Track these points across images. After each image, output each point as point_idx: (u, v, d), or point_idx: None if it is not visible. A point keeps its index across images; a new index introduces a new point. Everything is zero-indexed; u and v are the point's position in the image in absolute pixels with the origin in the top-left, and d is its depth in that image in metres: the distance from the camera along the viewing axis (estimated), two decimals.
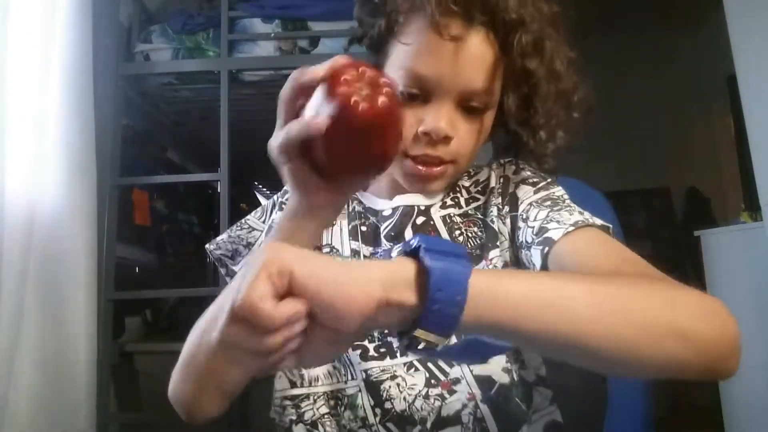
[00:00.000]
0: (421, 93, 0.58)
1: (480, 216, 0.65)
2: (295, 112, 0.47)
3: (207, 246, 0.69)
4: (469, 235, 0.63)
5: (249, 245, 0.67)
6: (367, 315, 0.33)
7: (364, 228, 0.66)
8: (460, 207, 0.66)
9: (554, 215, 0.56)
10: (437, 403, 0.55)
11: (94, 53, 1.31)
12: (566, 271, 0.48)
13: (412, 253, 0.37)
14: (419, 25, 0.57)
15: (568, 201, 0.59)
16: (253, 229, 0.70)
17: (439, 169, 0.60)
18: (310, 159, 0.46)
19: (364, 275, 0.34)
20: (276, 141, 0.46)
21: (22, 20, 1.11)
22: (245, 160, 2.26)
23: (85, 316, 1.18)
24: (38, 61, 1.15)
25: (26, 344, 1.06)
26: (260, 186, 3.17)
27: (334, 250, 0.64)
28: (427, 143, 0.59)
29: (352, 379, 0.58)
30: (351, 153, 0.44)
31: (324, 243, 0.66)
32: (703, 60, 3.31)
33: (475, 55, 0.57)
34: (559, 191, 0.61)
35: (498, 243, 0.62)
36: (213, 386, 0.49)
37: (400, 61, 0.59)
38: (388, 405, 0.56)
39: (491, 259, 0.61)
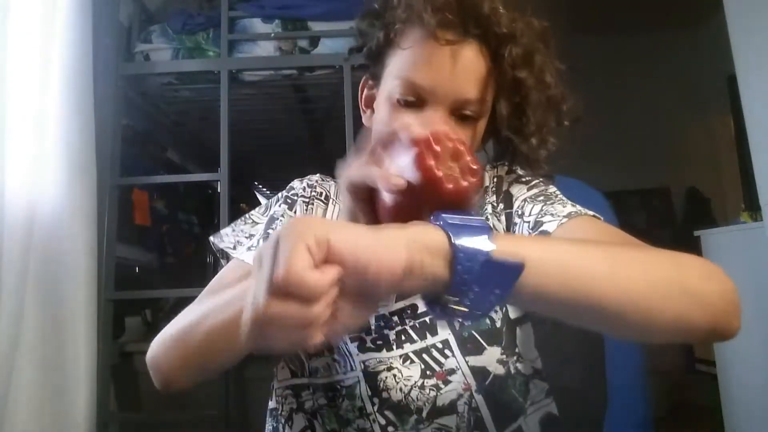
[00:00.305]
0: (416, 100, 0.60)
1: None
2: (380, 156, 0.47)
3: (210, 238, 0.71)
4: None
5: (251, 236, 0.69)
6: (398, 278, 0.34)
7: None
8: None
9: (548, 208, 0.59)
10: (432, 393, 0.57)
11: (94, 53, 1.31)
12: (579, 240, 0.50)
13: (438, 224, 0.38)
14: (417, 35, 0.60)
15: (560, 196, 0.62)
16: (256, 223, 0.72)
17: None
18: (375, 201, 0.47)
19: (394, 240, 0.35)
20: (353, 175, 0.46)
21: (22, 20, 1.11)
22: (245, 160, 2.27)
23: (85, 316, 1.18)
24: (38, 61, 1.15)
25: (26, 344, 1.06)
26: (260, 186, 3.17)
27: None
28: None
29: (351, 370, 0.60)
30: (417, 217, 0.43)
31: None
32: (703, 60, 3.31)
33: (468, 66, 0.59)
34: (551, 188, 0.64)
35: None
36: (200, 363, 0.52)
37: (397, 70, 0.61)
38: (385, 395, 0.58)
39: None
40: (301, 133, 2.11)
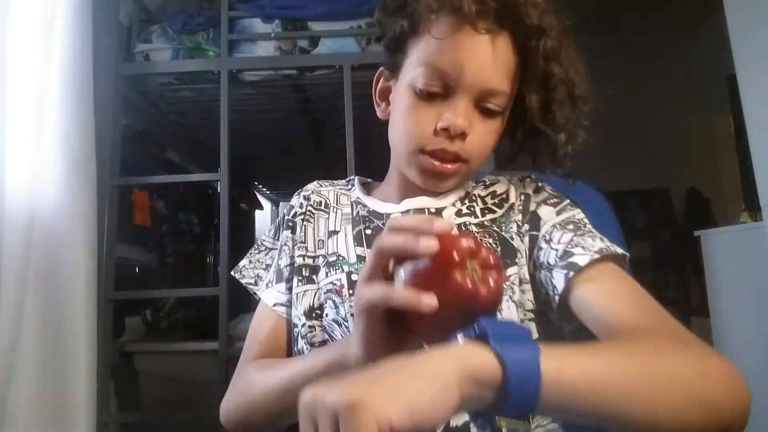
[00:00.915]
0: (441, 89, 0.60)
1: (496, 229, 0.65)
2: (388, 267, 0.46)
3: (232, 273, 0.76)
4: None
5: (268, 267, 0.74)
6: (451, 415, 0.35)
7: (368, 232, 0.67)
8: (476, 216, 0.67)
9: (578, 240, 0.58)
10: None
11: (94, 53, 1.31)
12: (613, 344, 0.47)
13: (480, 335, 0.39)
14: (449, 22, 0.59)
15: (588, 226, 0.62)
16: (270, 249, 0.75)
17: (453, 166, 0.62)
18: (399, 317, 0.44)
19: (445, 383, 0.35)
20: (372, 297, 0.43)
21: (22, 20, 1.11)
22: (245, 160, 2.27)
23: (85, 316, 1.18)
24: (38, 61, 1.15)
25: (26, 344, 1.06)
26: (260, 186, 3.17)
27: (340, 258, 0.66)
28: (445, 138, 0.60)
29: None
30: (455, 325, 0.42)
31: (330, 251, 0.67)
32: (703, 60, 3.31)
33: (497, 56, 0.59)
34: (579, 214, 0.64)
35: (516, 260, 0.62)
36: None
37: (422, 58, 0.61)
38: None
39: (509, 276, 0.61)
40: (301, 133, 2.11)
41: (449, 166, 0.62)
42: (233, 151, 1.52)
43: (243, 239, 2.71)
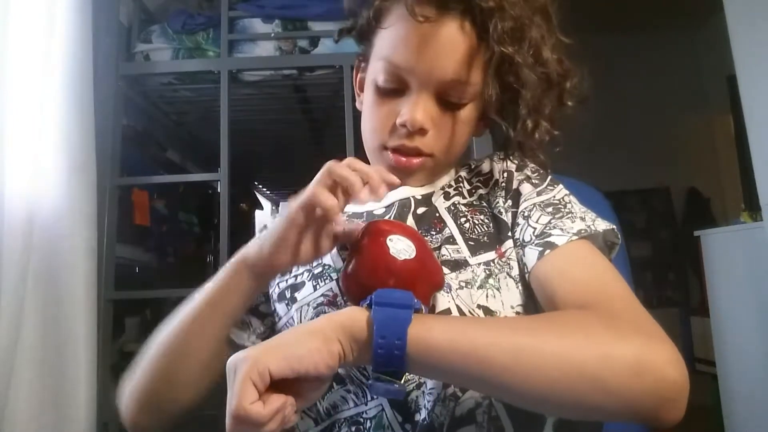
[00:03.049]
0: (399, 85, 0.59)
1: (485, 205, 0.64)
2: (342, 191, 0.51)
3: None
4: (476, 222, 0.62)
5: None
6: (335, 366, 0.42)
7: None
8: (464, 197, 0.66)
9: (557, 222, 0.56)
10: (451, 404, 0.53)
11: (94, 53, 1.31)
12: (505, 319, 0.51)
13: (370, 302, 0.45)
14: (398, 13, 0.58)
15: (570, 205, 0.59)
16: None
17: (417, 161, 0.61)
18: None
19: (322, 340, 0.42)
20: (311, 197, 0.49)
21: (22, 20, 1.11)
22: (245, 160, 2.27)
23: (85, 316, 1.18)
24: (38, 61, 1.15)
25: (26, 344, 1.06)
26: (260, 186, 3.17)
27: (326, 267, 0.63)
28: (404, 135, 0.60)
29: (372, 399, 0.55)
30: (367, 289, 0.48)
31: (314, 263, 0.64)
32: (703, 60, 3.31)
33: (448, 44, 0.56)
34: (560, 193, 0.61)
35: (509, 235, 0.61)
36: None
37: (380, 52, 0.61)
38: (417, 416, 0.53)
39: (504, 251, 0.59)
40: (301, 133, 2.11)
41: (414, 161, 0.61)
42: (233, 151, 1.52)
43: (243, 239, 2.70)
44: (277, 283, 0.66)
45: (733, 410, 1.87)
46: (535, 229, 0.57)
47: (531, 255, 0.55)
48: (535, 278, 0.55)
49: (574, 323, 0.44)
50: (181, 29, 1.57)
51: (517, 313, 0.56)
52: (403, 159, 0.61)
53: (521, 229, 0.59)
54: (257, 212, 3.22)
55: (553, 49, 0.59)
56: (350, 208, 0.68)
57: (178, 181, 2.00)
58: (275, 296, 0.66)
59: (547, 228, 0.56)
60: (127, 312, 1.60)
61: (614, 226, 0.57)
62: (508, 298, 0.56)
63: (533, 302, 0.57)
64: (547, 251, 0.54)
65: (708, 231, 2.10)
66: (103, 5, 1.42)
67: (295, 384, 0.41)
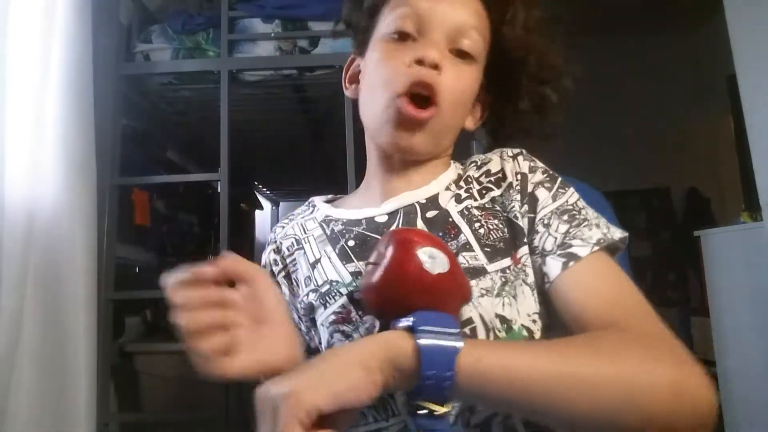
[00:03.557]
0: (414, 30, 0.62)
1: (499, 209, 0.62)
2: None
3: None
4: (491, 227, 0.60)
5: None
6: (375, 396, 0.40)
7: (351, 243, 0.63)
8: (476, 199, 0.64)
9: (576, 231, 0.57)
10: (467, 414, 0.53)
11: (94, 53, 1.31)
12: (548, 343, 0.48)
13: (410, 328, 0.43)
14: None
15: (584, 211, 0.60)
16: None
17: (426, 113, 0.59)
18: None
19: (365, 371, 0.40)
20: None
21: (22, 20, 1.11)
22: (245, 160, 2.27)
23: (85, 316, 1.18)
24: (38, 60, 1.15)
25: (26, 344, 1.06)
26: (260, 186, 3.17)
27: (333, 283, 0.61)
28: (420, 69, 0.59)
29: (394, 415, 0.54)
30: (399, 310, 0.46)
31: (320, 282, 0.62)
32: (703, 60, 3.31)
33: (469, 3, 0.63)
34: (572, 197, 0.61)
35: (525, 240, 0.60)
36: None
37: (397, 3, 0.63)
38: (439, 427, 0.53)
39: (520, 258, 0.58)
40: (301, 133, 2.11)
41: (424, 113, 0.59)
42: (233, 151, 1.52)
43: (243, 239, 2.71)
44: (301, 307, 0.65)
45: (733, 410, 1.87)
46: (555, 238, 0.57)
47: (554, 266, 0.55)
48: (558, 291, 0.55)
49: (614, 348, 0.45)
50: (181, 29, 1.57)
51: (533, 321, 0.56)
52: (413, 109, 0.59)
53: (540, 238, 0.58)
54: (257, 212, 3.22)
55: (550, 42, 0.65)
56: (346, 214, 0.67)
57: (178, 181, 1.99)
58: (303, 318, 0.65)
59: (567, 238, 0.56)
60: (127, 312, 1.60)
61: (626, 234, 0.58)
62: (524, 306, 0.56)
63: (547, 310, 0.57)
64: (571, 262, 0.54)
65: (708, 231, 2.10)
66: (103, 5, 1.42)
67: (331, 414, 0.39)
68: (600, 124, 3.36)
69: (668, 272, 3.55)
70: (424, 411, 0.41)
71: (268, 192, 3.35)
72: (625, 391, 0.42)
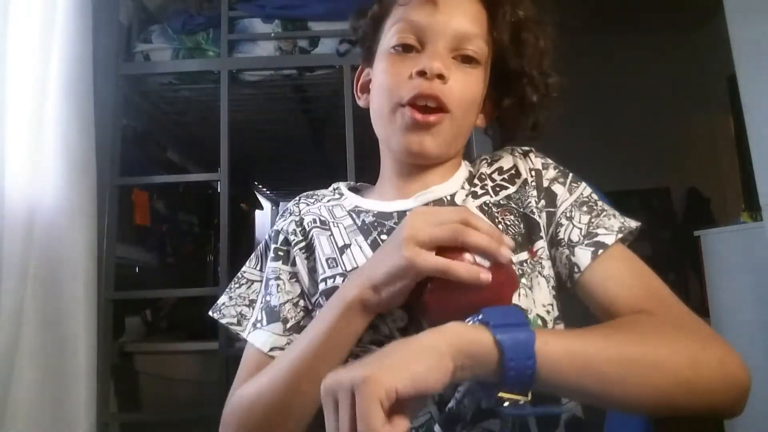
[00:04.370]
0: (415, 42, 0.63)
1: (514, 206, 0.64)
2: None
3: (210, 313, 0.68)
4: (507, 223, 0.62)
5: (252, 303, 0.67)
6: (447, 384, 0.41)
7: (384, 237, 0.63)
8: (491, 196, 0.65)
9: (597, 220, 0.61)
10: (478, 396, 0.54)
11: (94, 53, 1.31)
12: (603, 329, 0.51)
13: (481, 322, 0.45)
14: None
15: (599, 203, 0.63)
16: (252, 281, 0.69)
17: (435, 117, 0.61)
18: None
19: (438, 357, 0.41)
20: (431, 263, 0.49)
21: (22, 20, 1.11)
22: (245, 160, 2.27)
23: (85, 316, 1.18)
24: (38, 60, 1.15)
25: (26, 344, 1.06)
26: (260, 186, 3.17)
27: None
28: (423, 83, 0.60)
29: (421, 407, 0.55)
30: (465, 312, 0.48)
31: (349, 268, 0.62)
32: (703, 60, 3.31)
33: (467, 8, 0.63)
34: (585, 190, 0.65)
35: (541, 234, 0.62)
36: None
37: (396, 18, 0.64)
38: (456, 416, 0.55)
39: (536, 251, 0.60)
40: (301, 133, 2.11)
41: (432, 117, 0.60)
42: (233, 151, 1.52)
43: (243, 239, 2.71)
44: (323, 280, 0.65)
45: None
46: (580, 229, 0.60)
47: (583, 255, 0.58)
48: (589, 281, 0.58)
49: (654, 332, 0.49)
50: (181, 29, 1.57)
51: (547, 311, 0.58)
52: (421, 116, 0.60)
53: (565, 230, 0.61)
54: (257, 212, 3.22)
55: (548, 46, 0.67)
56: (377, 206, 0.68)
57: (178, 181, 1.99)
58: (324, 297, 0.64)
59: (591, 227, 0.60)
60: (127, 312, 1.60)
61: (640, 224, 0.62)
62: (540, 296, 0.58)
63: (559, 301, 0.60)
64: (600, 251, 0.57)
65: (708, 231, 2.10)
66: (103, 5, 1.42)
67: (402, 402, 0.40)
68: (600, 124, 3.36)
69: (668, 272, 3.55)
70: (507, 403, 0.43)
71: (268, 192, 3.35)
72: (673, 373, 0.45)
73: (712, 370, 0.46)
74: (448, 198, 0.65)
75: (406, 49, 0.63)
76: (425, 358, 0.41)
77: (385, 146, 0.70)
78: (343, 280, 0.61)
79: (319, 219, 0.68)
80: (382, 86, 0.64)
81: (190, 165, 2.23)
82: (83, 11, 1.27)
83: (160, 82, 1.62)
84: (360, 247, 0.63)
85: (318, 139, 2.19)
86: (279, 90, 1.67)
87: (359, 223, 0.66)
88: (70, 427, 1.13)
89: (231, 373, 1.44)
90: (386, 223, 0.64)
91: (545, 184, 0.65)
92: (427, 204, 0.65)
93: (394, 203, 0.66)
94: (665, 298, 0.54)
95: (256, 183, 3.10)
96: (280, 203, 3.69)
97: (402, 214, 0.64)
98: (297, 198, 0.74)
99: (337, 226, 0.66)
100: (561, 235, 0.61)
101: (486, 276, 0.47)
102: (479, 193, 0.65)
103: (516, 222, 0.62)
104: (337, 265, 0.63)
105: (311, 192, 0.75)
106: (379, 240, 0.63)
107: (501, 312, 0.45)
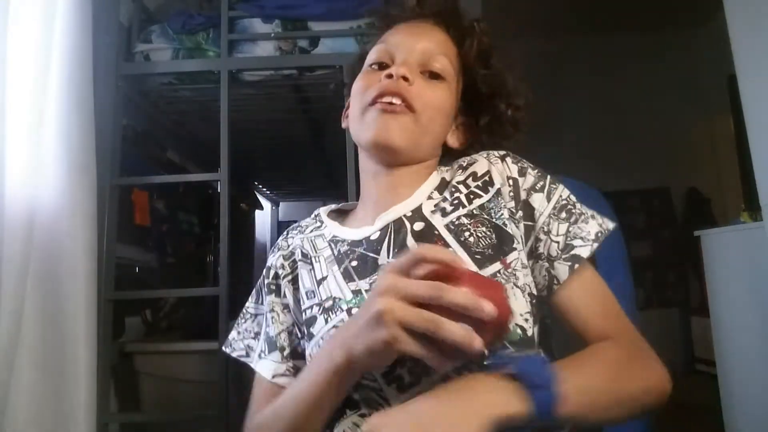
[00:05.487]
0: (389, 60, 0.70)
1: (486, 216, 0.64)
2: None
3: (223, 348, 0.76)
4: (479, 235, 0.62)
5: (257, 335, 0.74)
6: None
7: (354, 264, 0.65)
8: (464, 206, 0.65)
9: (575, 230, 0.63)
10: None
11: (94, 53, 1.31)
12: (592, 366, 0.56)
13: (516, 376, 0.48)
14: (391, 24, 0.75)
15: (578, 206, 0.65)
16: (255, 315, 0.75)
17: (399, 105, 0.65)
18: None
19: (478, 426, 0.44)
20: (413, 319, 0.46)
21: (22, 20, 1.11)
22: (245, 160, 2.27)
23: (85, 316, 1.18)
24: (38, 60, 1.15)
25: (26, 344, 1.06)
26: (260, 186, 3.17)
27: (336, 299, 0.64)
28: (389, 81, 0.65)
29: None
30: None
31: (324, 297, 0.65)
32: (703, 60, 3.31)
33: (434, 35, 0.71)
34: (564, 192, 0.65)
35: (514, 245, 0.62)
36: None
37: (375, 45, 0.73)
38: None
39: (510, 263, 0.60)
40: (301, 133, 2.11)
41: (396, 107, 0.64)
42: (233, 151, 1.52)
43: (243, 239, 2.71)
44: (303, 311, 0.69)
45: (733, 410, 1.87)
46: (558, 242, 0.62)
47: (561, 270, 0.61)
48: (563, 301, 0.62)
49: (626, 368, 0.57)
50: (181, 29, 1.57)
51: (526, 320, 0.58)
52: (386, 104, 0.65)
53: (544, 245, 0.62)
54: (257, 212, 3.22)
55: (510, 71, 0.74)
56: (350, 234, 0.69)
57: (178, 181, 2.00)
58: (305, 326, 0.68)
59: (569, 238, 0.62)
60: (127, 312, 1.60)
61: (616, 224, 0.65)
62: (517, 306, 0.58)
63: (537, 309, 0.61)
64: (576, 265, 0.61)
65: (708, 231, 2.10)
66: (103, 5, 1.42)
67: None
68: (600, 124, 3.36)
69: (668, 272, 3.55)
70: None
71: (268, 192, 3.35)
72: (634, 400, 0.56)
73: (657, 390, 0.57)
74: (409, 214, 0.66)
75: (381, 66, 0.70)
76: (461, 413, 0.45)
77: (361, 149, 0.73)
78: (320, 310, 0.65)
79: (302, 252, 0.72)
80: (356, 94, 0.70)
81: (190, 165, 2.23)
82: (83, 11, 1.27)
83: (160, 82, 1.63)
84: (335, 277, 0.66)
85: (318, 139, 2.20)
86: (279, 90, 1.67)
87: (336, 253, 0.68)
88: (70, 427, 1.13)
89: (231, 373, 1.44)
90: (356, 250, 0.67)
91: (523, 195, 0.64)
92: (386, 226, 0.66)
93: (361, 230, 0.68)
94: (622, 322, 0.61)
95: (256, 183, 3.10)
96: (280, 203, 3.69)
97: (368, 240, 0.66)
98: (285, 232, 0.78)
99: (318, 260, 0.70)
100: (541, 250, 0.62)
101: (479, 344, 0.45)
102: (448, 210, 0.65)
103: (488, 233, 0.62)
104: (315, 296, 0.67)
105: (297, 224, 0.78)
106: (350, 267, 0.65)
107: (537, 371, 0.48)
